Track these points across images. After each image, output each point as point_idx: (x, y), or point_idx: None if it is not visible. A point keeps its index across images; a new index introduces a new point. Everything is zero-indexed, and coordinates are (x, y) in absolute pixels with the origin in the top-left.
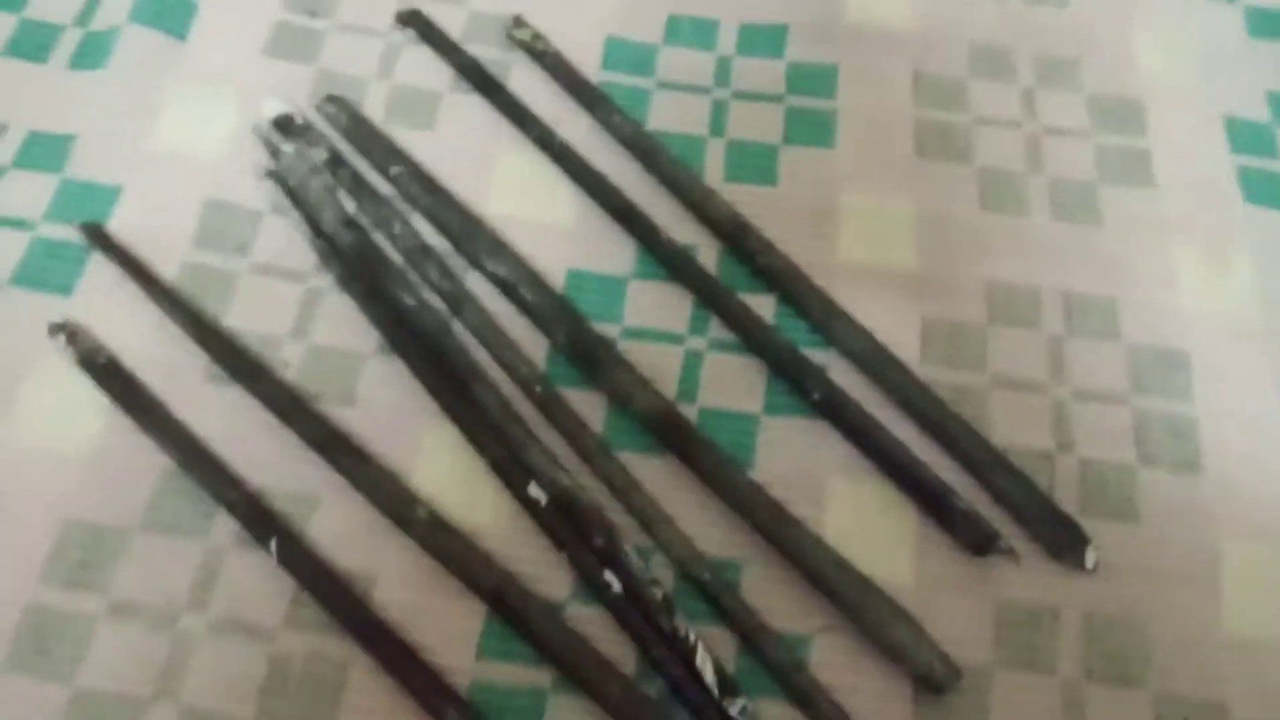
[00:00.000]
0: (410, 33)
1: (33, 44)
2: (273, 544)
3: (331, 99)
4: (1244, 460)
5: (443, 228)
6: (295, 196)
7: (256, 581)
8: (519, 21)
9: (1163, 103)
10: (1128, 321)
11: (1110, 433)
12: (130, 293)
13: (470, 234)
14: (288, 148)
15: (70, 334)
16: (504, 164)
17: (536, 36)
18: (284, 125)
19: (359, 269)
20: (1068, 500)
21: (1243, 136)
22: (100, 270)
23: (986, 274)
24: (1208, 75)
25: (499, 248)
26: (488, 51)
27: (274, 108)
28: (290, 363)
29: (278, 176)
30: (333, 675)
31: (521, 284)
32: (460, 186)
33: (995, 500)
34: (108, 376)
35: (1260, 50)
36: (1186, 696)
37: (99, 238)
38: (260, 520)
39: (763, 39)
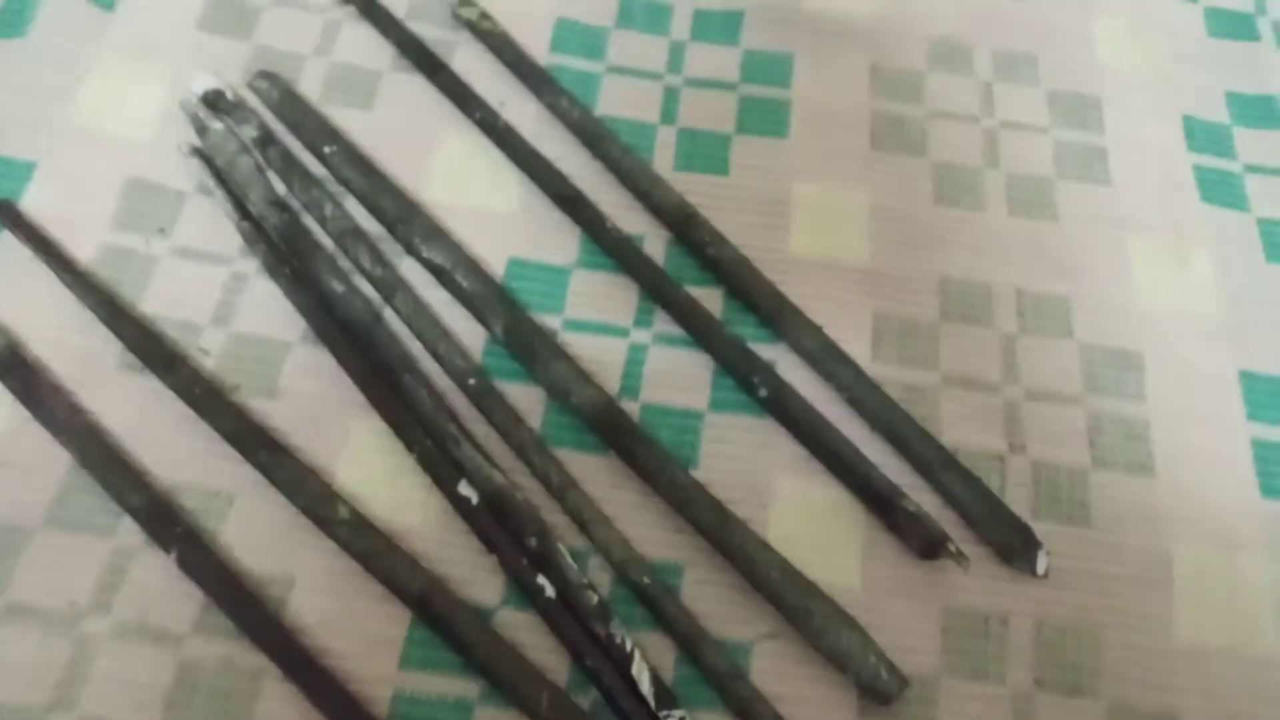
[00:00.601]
0: (351, 9)
1: None
2: (174, 552)
3: (264, 74)
4: (1197, 462)
5: (377, 211)
6: (221, 175)
7: (165, 584)
8: (465, 0)
9: (1121, 100)
10: (1081, 320)
11: (1063, 434)
12: (41, 275)
13: (406, 218)
14: (216, 124)
15: None
16: (445, 147)
17: (484, 16)
18: (213, 101)
19: (286, 253)
20: (1019, 502)
21: (1200, 136)
22: (9, 251)
23: (940, 269)
24: (1167, 74)
25: (436, 233)
26: (432, 30)
27: (204, 82)
28: (210, 351)
29: (204, 154)
30: (245, 685)
31: (458, 271)
32: (398, 169)
33: (946, 502)
34: (6, 368)
35: (1219, 50)
36: (1138, 706)
37: (10, 215)
38: (164, 524)
39: (717, 25)
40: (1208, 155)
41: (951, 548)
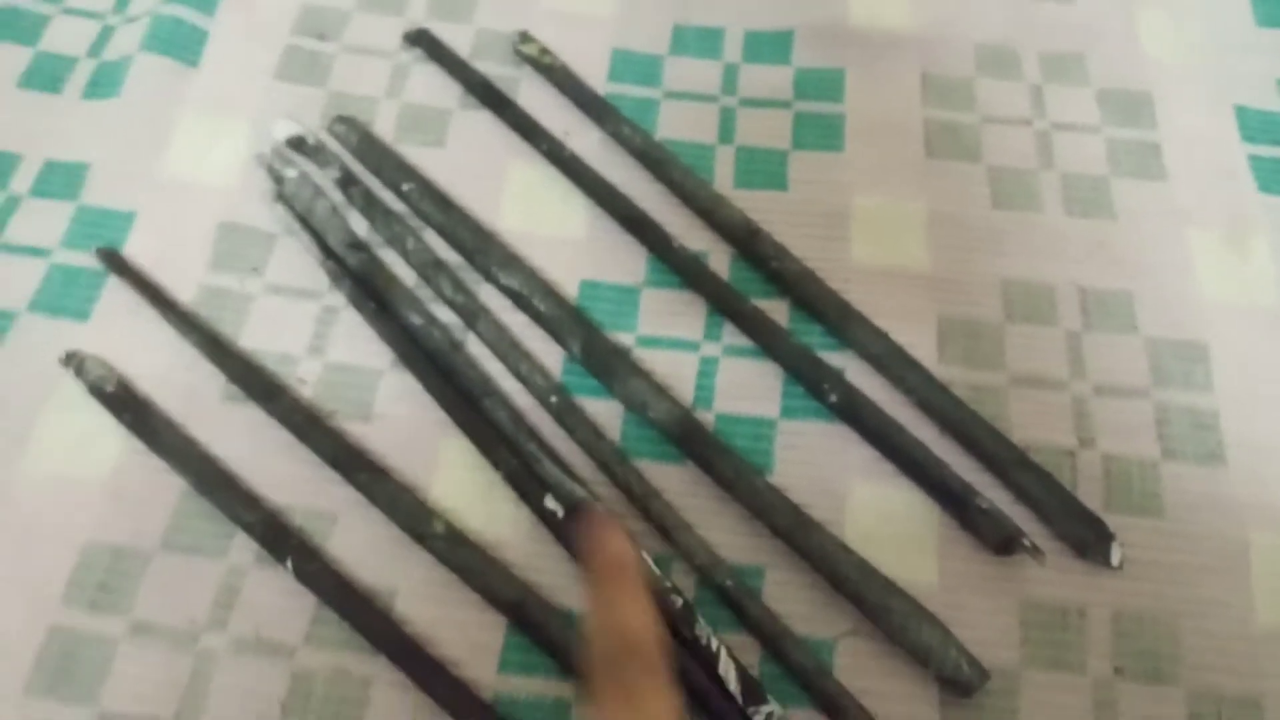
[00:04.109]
0: (418, 52)
1: (47, 75)
2: (289, 562)
3: (342, 119)
4: (1268, 449)
5: (455, 242)
6: (303, 219)
7: (277, 599)
8: (525, 36)
9: (1171, 94)
10: (1145, 314)
11: (1132, 427)
12: (146, 317)
13: (482, 248)
14: (291, 172)
15: (79, 363)
16: (515, 178)
17: (543, 51)
18: (296, 146)
19: (368, 288)
20: (1091, 496)
21: (1253, 125)
22: (116, 295)
23: (1001, 272)
24: (1216, 65)
25: (511, 260)
26: (496, 67)
27: (285, 129)
28: (306, 380)
29: (285, 200)
30: (356, 692)
31: (535, 295)
32: (472, 201)
33: (1018, 499)
34: (118, 403)
35: (1268, 39)
36: (1221, 692)
37: (115, 262)
38: (278, 538)
39: (768, 46)
40: (1262, 144)
41: (1026, 543)
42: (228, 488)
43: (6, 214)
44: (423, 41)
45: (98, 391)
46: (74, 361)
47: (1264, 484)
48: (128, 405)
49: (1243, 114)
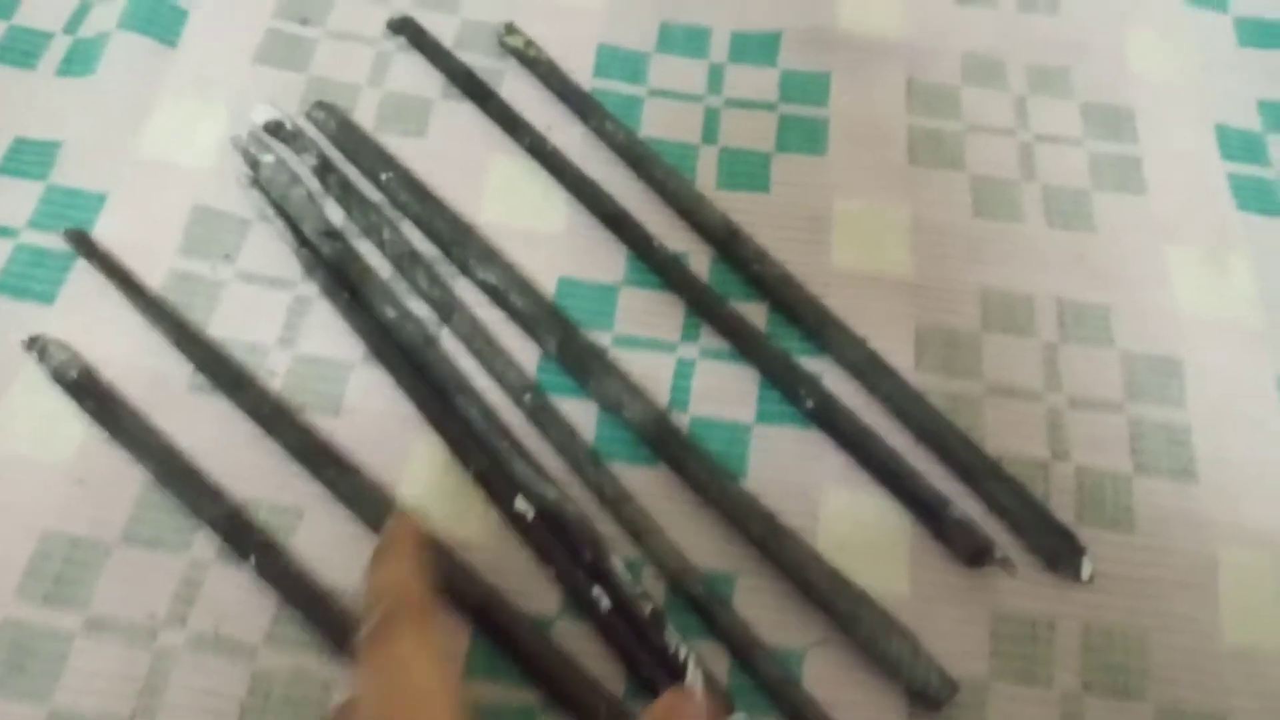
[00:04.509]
0: (402, 40)
1: (20, 51)
2: (252, 559)
3: (321, 105)
4: (1240, 466)
5: (432, 234)
6: (278, 206)
7: (239, 597)
8: (511, 28)
9: (1154, 110)
10: (1121, 328)
11: (1105, 440)
12: (114, 301)
13: (460, 241)
14: (268, 157)
15: (42, 348)
16: (496, 171)
17: (529, 44)
18: (274, 131)
19: (342, 278)
20: (1064, 509)
21: (1233, 144)
22: (84, 278)
23: (980, 281)
24: (1199, 83)
25: (489, 254)
26: (480, 59)
27: (263, 113)
28: (276, 372)
29: (260, 185)
30: (316, 694)
31: (512, 291)
32: (451, 193)
33: (991, 510)
34: (82, 391)
35: (1250, 59)
36: (1188, 708)
37: (84, 244)
38: (240, 534)
39: (755, 46)
40: (1242, 163)
41: (998, 554)
42: (191, 480)
43: None
44: (406, 30)
45: (60, 377)
46: (37, 346)
47: (1234, 501)
48: (91, 392)
49: (1223, 133)
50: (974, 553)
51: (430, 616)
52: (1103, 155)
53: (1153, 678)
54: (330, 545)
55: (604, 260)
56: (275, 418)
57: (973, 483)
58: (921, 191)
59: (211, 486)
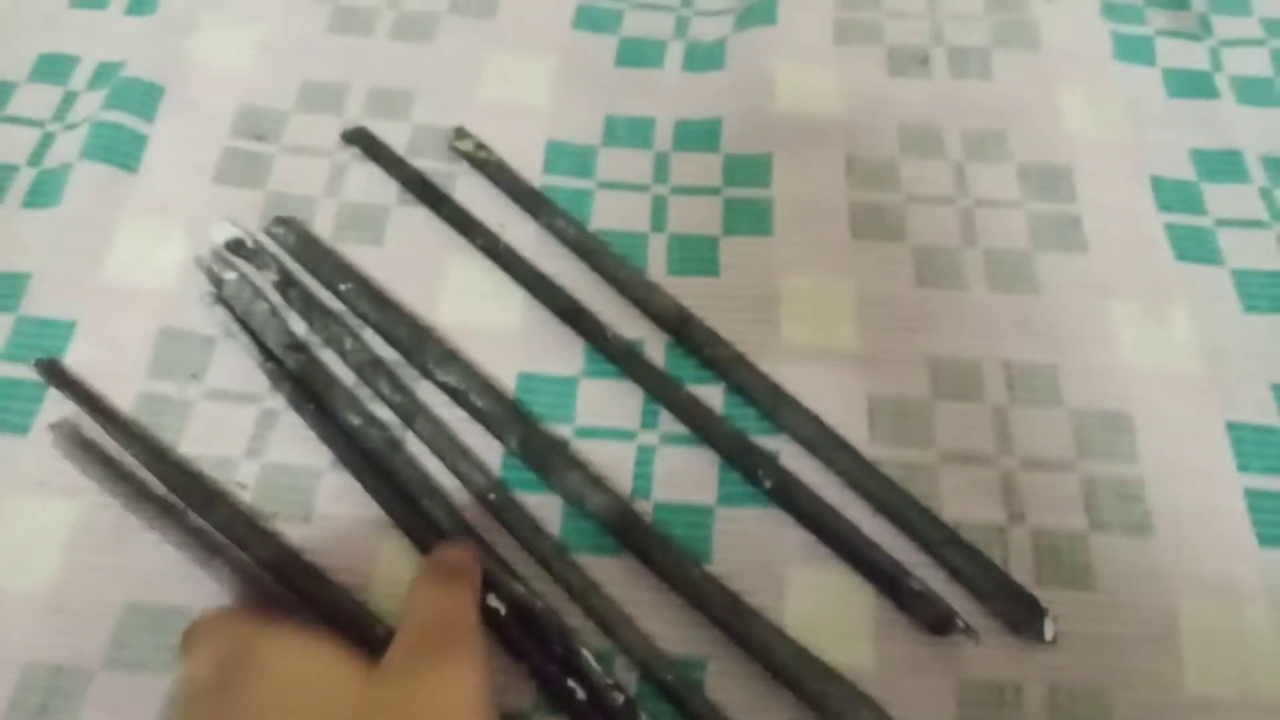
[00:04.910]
0: (356, 150)
1: None
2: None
3: (280, 220)
4: (1194, 517)
5: (393, 340)
6: (242, 321)
7: None
8: (461, 133)
9: (1090, 167)
10: (1069, 386)
11: (1060, 500)
12: (86, 428)
13: (420, 345)
14: (230, 275)
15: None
16: (452, 272)
17: (479, 146)
18: (235, 249)
19: (307, 390)
20: (1023, 571)
21: (1168, 195)
22: (57, 407)
23: (928, 349)
24: (1132, 137)
25: (448, 356)
26: (432, 163)
27: (223, 232)
28: (246, 484)
29: (224, 302)
30: None
31: (472, 391)
32: (410, 297)
33: (951, 577)
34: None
35: (1180, 110)
36: None
37: (54, 374)
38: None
39: (697, 134)
40: (1178, 213)
41: (960, 623)
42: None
43: None
44: (360, 140)
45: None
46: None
47: (1190, 552)
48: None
49: (1158, 184)
50: (936, 621)
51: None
52: (1042, 215)
53: None
54: None
55: (561, 353)
56: (247, 532)
57: (932, 551)
58: (866, 265)
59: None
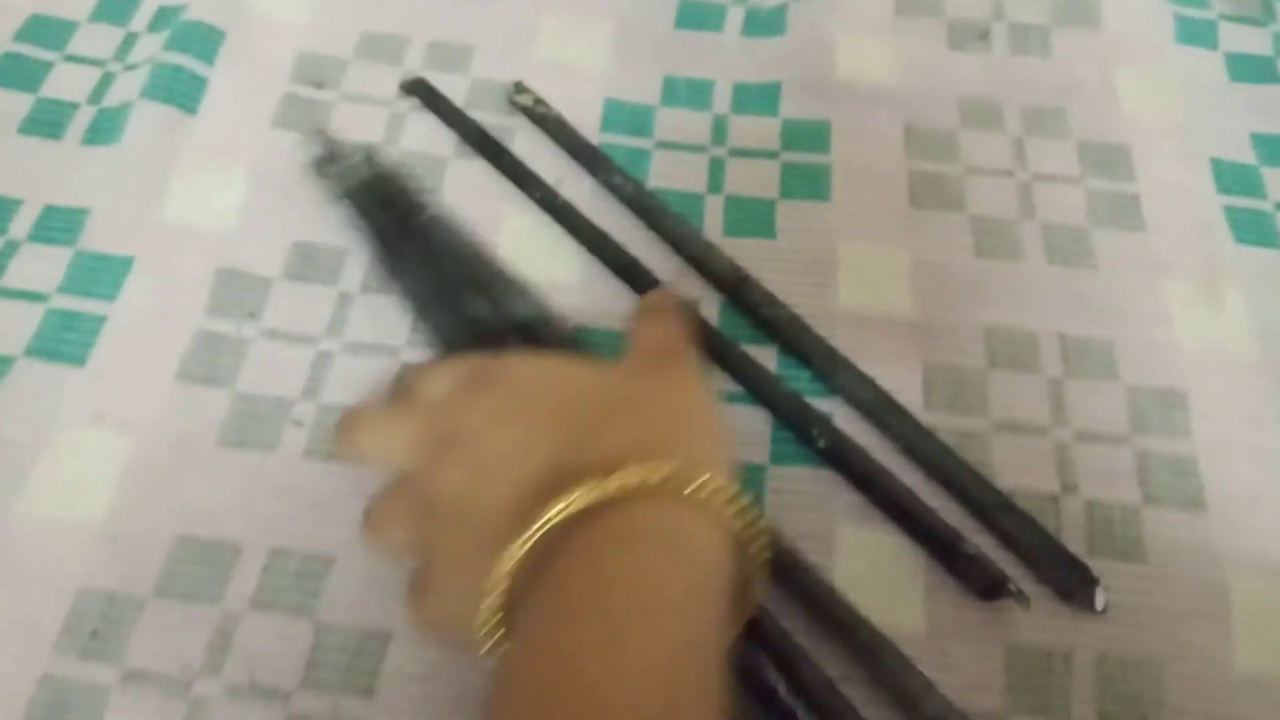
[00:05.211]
0: (415, 101)
1: (47, 121)
2: None
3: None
4: (1247, 496)
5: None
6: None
7: (272, 643)
8: (520, 87)
9: (1149, 147)
10: (1125, 362)
11: (1113, 473)
12: (144, 362)
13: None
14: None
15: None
16: (509, 225)
17: (538, 101)
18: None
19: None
20: (1075, 542)
21: (1228, 178)
22: (113, 340)
23: (984, 319)
24: (1192, 119)
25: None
26: (491, 117)
27: (317, 148)
28: (303, 422)
29: (332, 174)
30: None
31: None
32: None
33: (1003, 544)
34: None
35: (1241, 94)
36: None
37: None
38: None
39: (756, 97)
40: (1237, 196)
41: (1012, 588)
42: None
43: (5, 258)
44: (419, 91)
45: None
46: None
47: (1242, 530)
48: None
49: (1218, 167)
50: (988, 586)
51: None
52: (1100, 193)
53: (1168, 707)
54: (361, 590)
55: (616, 308)
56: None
57: (984, 518)
58: (923, 234)
59: None
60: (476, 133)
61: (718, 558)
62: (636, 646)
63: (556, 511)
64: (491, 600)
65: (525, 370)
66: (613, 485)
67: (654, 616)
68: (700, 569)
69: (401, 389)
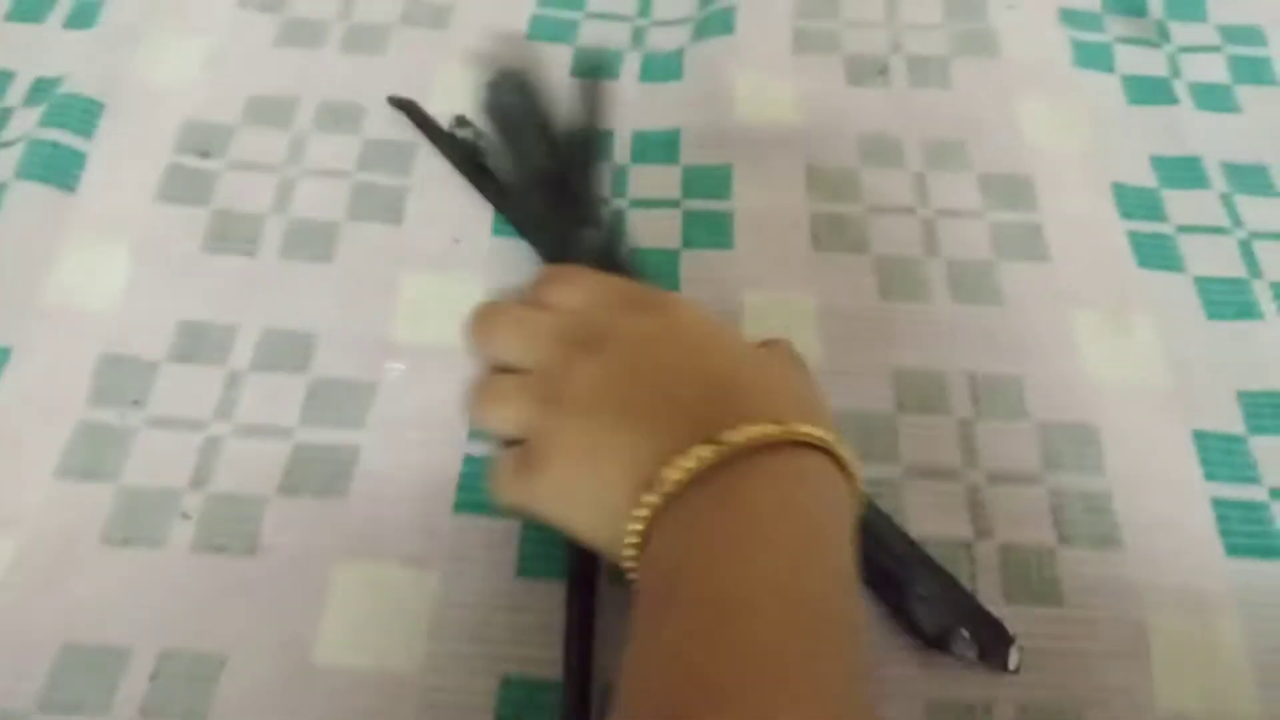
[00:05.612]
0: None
1: None
2: None
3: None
4: (1162, 528)
5: None
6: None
7: None
8: (462, 120)
9: (1051, 175)
10: (1035, 399)
11: (1027, 514)
12: (23, 453)
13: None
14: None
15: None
16: (408, 290)
17: (479, 134)
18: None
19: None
20: (990, 586)
21: (1130, 202)
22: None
23: (892, 362)
24: (1092, 145)
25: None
26: (385, 178)
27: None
28: (190, 515)
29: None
30: None
31: None
32: (366, 316)
33: (919, 599)
34: None
35: (1140, 116)
36: None
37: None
38: None
39: (657, 145)
40: (1139, 220)
41: (965, 634)
42: None
43: None
44: (407, 109)
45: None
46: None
47: (1158, 565)
48: None
49: (1120, 191)
50: (938, 634)
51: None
52: (1004, 225)
53: None
54: (255, 693)
55: None
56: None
57: (901, 570)
58: (827, 277)
59: None
60: (460, 153)
61: (852, 503)
62: (821, 567)
63: (744, 439)
64: (645, 511)
65: (687, 309)
66: (775, 429)
67: (830, 548)
68: (848, 510)
69: (529, 293)
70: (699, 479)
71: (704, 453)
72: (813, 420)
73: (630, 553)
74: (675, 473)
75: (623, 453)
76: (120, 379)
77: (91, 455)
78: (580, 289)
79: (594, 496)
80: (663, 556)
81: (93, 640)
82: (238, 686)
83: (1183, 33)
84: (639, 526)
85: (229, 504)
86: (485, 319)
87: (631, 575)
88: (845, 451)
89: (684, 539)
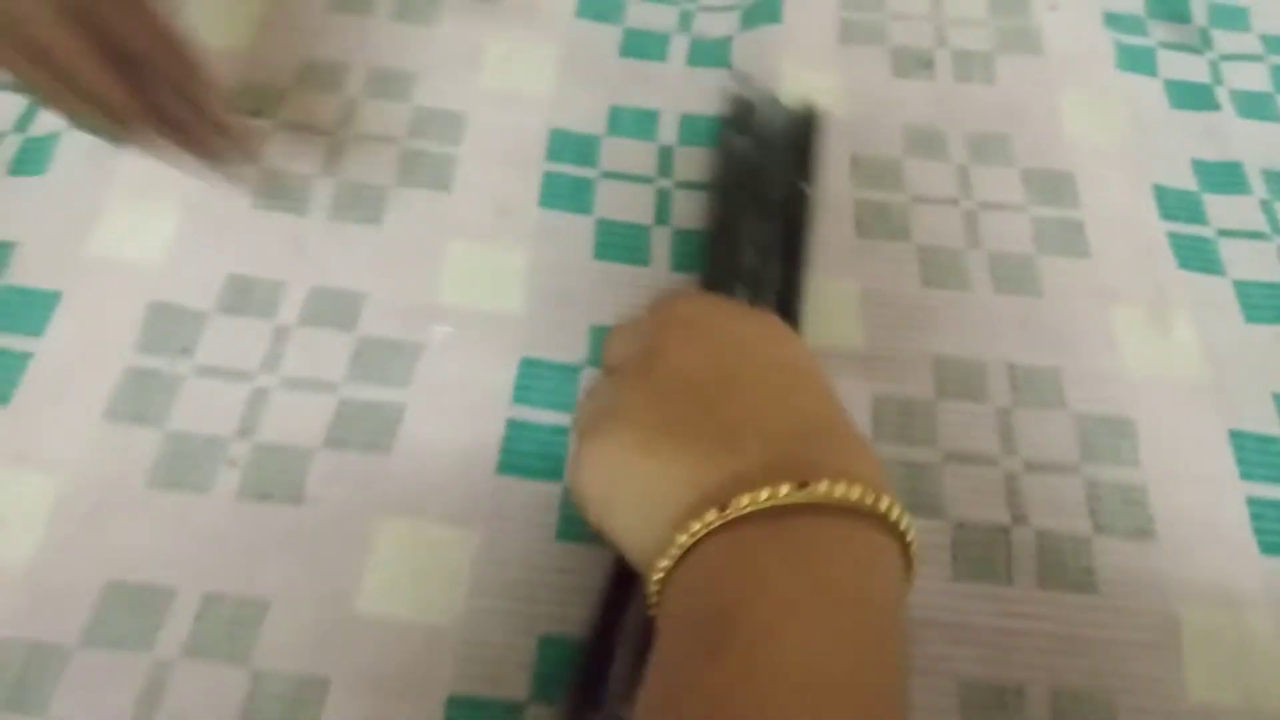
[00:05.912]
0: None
1: None
2: None
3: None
4: (1196, 523)
5: None
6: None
7: (205, 695)
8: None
9: (1093, 174)
10: (1073, 390)
11: (1063, 503)
12: (70, 401)
13: None
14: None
15: None
16: (455, 256)
17: None
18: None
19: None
20: (1026, 573)
21: (1171, 204)
22: (38, 378)
23: (933, 349)
24: (1134, 146)
25: None
26: (435, 146)
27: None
28: (237, 462)
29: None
30: None
31: None
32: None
33: None
34: None
35: (1182, 121)
36: None
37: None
38: None
39: (702, 129)
40: (1180, 222)
41: None
42: None
43: None
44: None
45: None
46: None
47: (1192, 558)
48: None
49: (1161, 193)
50: None
51: None
52: (1045, 220)
53: None
54: (298, 636)
55: (561, 340)
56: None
57: None
58: (870, 264)
59: None
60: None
61: (907, 589)
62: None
63: (835, 496)
64: (699, 526)
65: (798, 343)
66: (868, 500)
67: (892, 641)
68: (894, 579)
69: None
70: (767, 514)
71: (784, 490)
72: (889, 490)
73: (666, 563)
74: (746, 500)
75: (692, 449)
76: (169, 327)
77: (140, 400)
78: (702, 301)
79: (645, 486)
80: (708, 589)
81: (138, 579)
82: (280, 632)
83: (1225, 41)
84: (687, 540)
85: (275, 454)
86: (613, 330)
87: (655, 584)
88: (914, 536)
89: (740, 579)
